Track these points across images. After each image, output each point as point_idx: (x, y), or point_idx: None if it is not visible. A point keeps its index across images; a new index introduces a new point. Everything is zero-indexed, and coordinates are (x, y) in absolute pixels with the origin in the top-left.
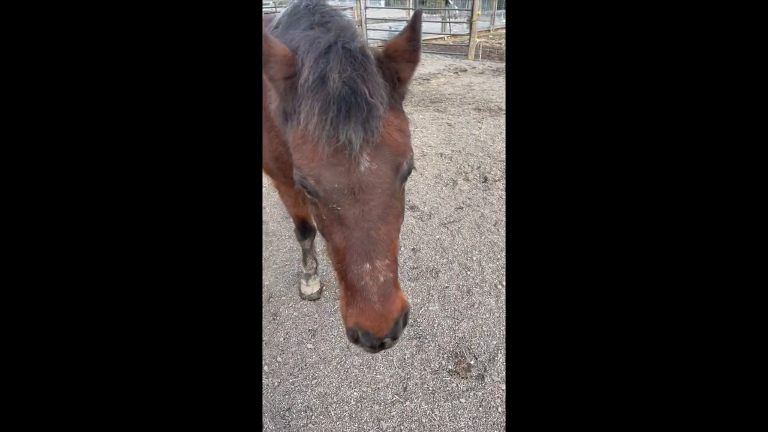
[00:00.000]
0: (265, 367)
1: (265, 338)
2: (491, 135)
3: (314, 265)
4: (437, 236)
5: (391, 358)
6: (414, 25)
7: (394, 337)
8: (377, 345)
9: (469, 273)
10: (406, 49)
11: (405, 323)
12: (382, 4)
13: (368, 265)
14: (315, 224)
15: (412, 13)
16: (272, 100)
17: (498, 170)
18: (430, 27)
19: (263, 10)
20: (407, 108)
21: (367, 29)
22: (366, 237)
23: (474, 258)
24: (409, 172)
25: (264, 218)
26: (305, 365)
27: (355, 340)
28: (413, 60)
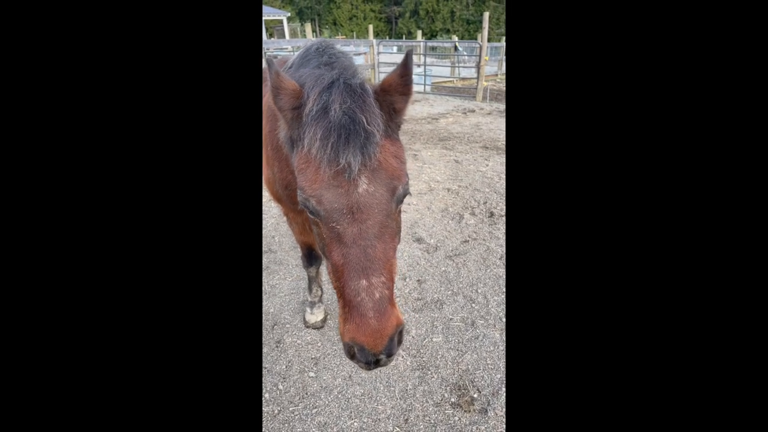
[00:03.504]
0: (266, 395)
1: (267, 366)
2: (498, 172)
3: (319, 293)
4: (443, 268)
5: (393, 388)
6: (406, 63)
7: (389, 354)
8: (372, 361)
9: (473, 305)
10: (399, 83)
11: (400, 341)
12: (395, 50)
13: (364, 282)
14: (317, 245)
15: (422, 58)
16: (281, 129)
17: (504, 206)
18: (439, 71)
19: (282, 54)
20: (416, 145)
21: (379, 72)
22: (363, 254)
23: (479, 291)
24: (404, 196)
25: (272, 247)
26: (306, 394)
27: (352, 356)
28: (406, 93)
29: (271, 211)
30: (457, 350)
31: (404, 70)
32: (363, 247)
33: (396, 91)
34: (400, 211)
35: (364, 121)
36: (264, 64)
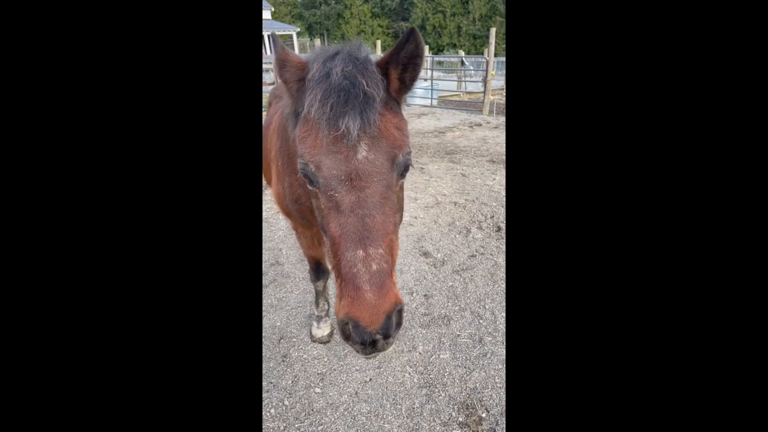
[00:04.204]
0: (271, 410)
1: (273, 381)
2: (505, 186)
3: (326, 308)
4: (450, 283)
5: (399, 406)
6: (408, 37)
7: (386, 336)
8: (368, 342)
9: (481, 322)
10: (400, 57)
11: (399, 323)
12: None
13: (361, 252)
14: (317, 220)
15: (429, 72)
16: (286, 105)
17: None
18: (446, 85)
19: None
20: (423, 158)
21: None
22: (361, 223)
23: (487, 306)
24: (405, 168)
25: (280, 260)
26: (312, 410)
27: (347, 336)
28: (393, 61)
29: (279, 223)
30: (465, 368)
31: (400, 46)
32: (361, 216)
33: (399, 64)
34: (402, 187)
35: (364, 84)
36: (266, 39)
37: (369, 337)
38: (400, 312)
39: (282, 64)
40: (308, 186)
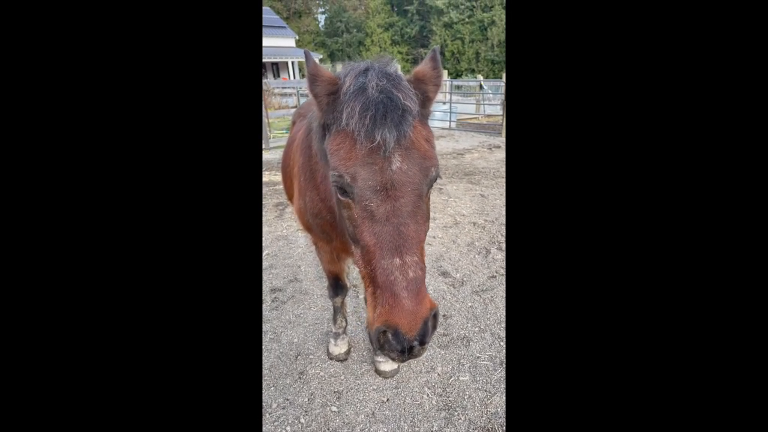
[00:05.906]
0: (287, 428)
1: (289, 397)
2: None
3: (344, 325)
4: (469, 304)
5: (417, 429)
6: (434, 57)
7: (422, 342)
8: (406, 348)
9: (502, 344)
10: (432, 74)
11: (434, 327)
12: None
13: (398, 260)
14: (346, 231)
15: (448, 96)
16: (314, 119)
17: None
18: (464, 108)
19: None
20: (442, 179)
21: None
22: (396, 232)
23: None
24: (435, 179)
25: (298, 276)
26: (328, 430)
27: (381, 345)
28: (437, 83)
29: (298, 241)
30: (486, 391)
31: (434, 63)
32: (396, 224)
33: (430, 81)
34: (429, 198)
35: (401, 97)
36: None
37: (408, 344)
38: (435, 316)
39: (313, 78)
40: (340, 197)
